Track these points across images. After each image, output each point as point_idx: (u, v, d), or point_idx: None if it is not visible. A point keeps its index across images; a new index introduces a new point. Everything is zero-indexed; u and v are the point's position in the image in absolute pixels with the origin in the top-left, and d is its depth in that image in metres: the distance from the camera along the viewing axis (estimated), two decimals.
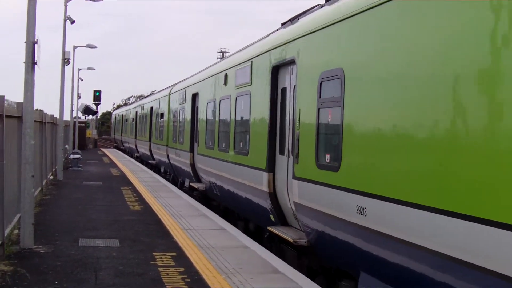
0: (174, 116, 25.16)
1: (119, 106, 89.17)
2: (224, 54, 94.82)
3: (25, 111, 10.67)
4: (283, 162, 11.12)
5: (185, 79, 25.12)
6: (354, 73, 8.22)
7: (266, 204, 11.78)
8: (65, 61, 27.18)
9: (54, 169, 24.77)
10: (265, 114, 11.92)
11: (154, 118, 32.54)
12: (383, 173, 7.31)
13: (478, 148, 5.67)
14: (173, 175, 26.44)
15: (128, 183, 23.02)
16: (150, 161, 34.11)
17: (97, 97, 56.38)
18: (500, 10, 5.48)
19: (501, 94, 5.46)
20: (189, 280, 8.59)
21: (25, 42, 10.53)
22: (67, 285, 8.23)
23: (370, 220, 7.50)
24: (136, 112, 43.46)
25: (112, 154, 47.66)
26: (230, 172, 14.55)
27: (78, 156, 31.20)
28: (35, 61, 10.53)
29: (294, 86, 10.56)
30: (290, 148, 10.64)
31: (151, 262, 9.62)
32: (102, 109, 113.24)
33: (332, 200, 8.63)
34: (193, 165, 20.32)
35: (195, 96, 20.64)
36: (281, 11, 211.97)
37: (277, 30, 12.59)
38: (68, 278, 8.63)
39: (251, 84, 13.19)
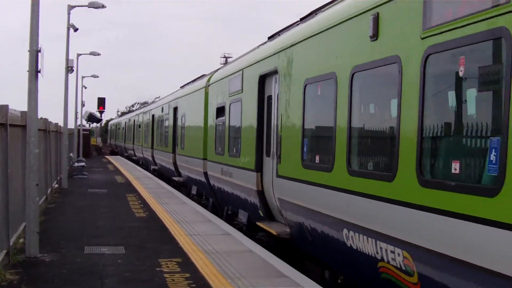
0: (142, 127, 40.58)
1: (123, 114, 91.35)
2: (227, 59, 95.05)
3: (29, 120, 10.64)
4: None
5: (150, 103, 41.08)
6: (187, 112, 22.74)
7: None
8: (69, 69, 27.18)
9: (59, 177, 24.81)
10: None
11: (135, 128, 47.48)
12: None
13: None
14: (141, 162, 40.86)
15: (133, 190, 23.07)
16: (133, 157, 49.77)
17: (101, 104, 56.48)
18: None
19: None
20: (194, 285, 8.61)
21: (28, 51, 10.55)
22: None
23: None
24: (125, 123, 57.88)
25: (117, 161, 47.74)
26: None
27: (83, 163, 31.27)
28: (39, 69, 10.52)
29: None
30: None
31: (157, 269, 9.64)
32: (106, 116, 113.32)
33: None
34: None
35: (153, 116, 34.48)
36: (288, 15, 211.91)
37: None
38: (73, 286, 8.66)
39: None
